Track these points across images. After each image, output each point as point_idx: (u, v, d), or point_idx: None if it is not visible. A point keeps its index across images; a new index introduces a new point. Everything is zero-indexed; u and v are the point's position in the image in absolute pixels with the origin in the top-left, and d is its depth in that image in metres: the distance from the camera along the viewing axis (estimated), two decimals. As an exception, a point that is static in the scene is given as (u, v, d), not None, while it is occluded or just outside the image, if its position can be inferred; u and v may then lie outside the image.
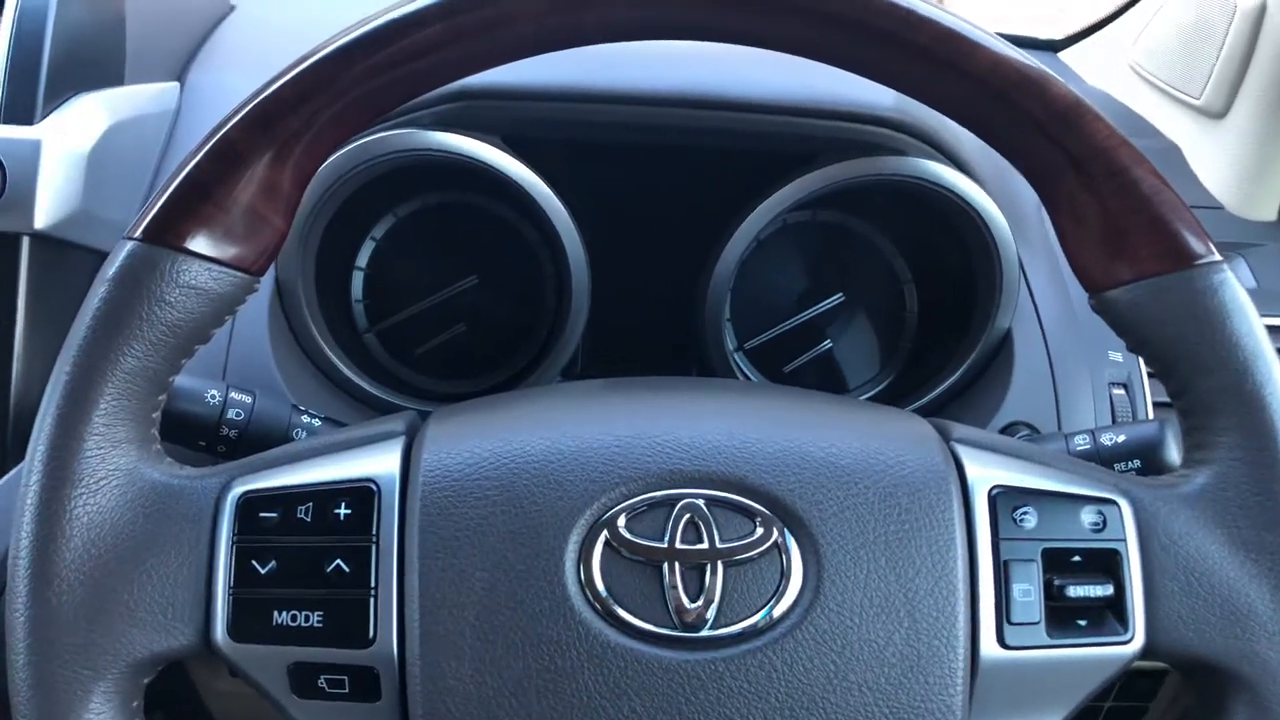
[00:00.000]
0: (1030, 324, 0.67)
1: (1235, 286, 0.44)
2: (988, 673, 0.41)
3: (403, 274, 0.73)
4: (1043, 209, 0.73)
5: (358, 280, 0.72)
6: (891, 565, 0.41)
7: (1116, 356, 0.67)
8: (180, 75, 0.74)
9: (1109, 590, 0.42)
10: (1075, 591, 0.42)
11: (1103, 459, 0.54)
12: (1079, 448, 0.55)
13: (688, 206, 0.73)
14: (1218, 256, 0.44)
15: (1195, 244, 0.43)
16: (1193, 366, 0.43)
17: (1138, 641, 0.42)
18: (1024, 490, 0.43)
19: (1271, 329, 0.72)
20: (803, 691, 0.40)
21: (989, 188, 0.68)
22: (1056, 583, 0.42)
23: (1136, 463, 0.54)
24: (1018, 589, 0.41)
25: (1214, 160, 0.80)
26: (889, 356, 0.76)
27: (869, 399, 0.75)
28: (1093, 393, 0.66)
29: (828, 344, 0.75)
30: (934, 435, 0.44)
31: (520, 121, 0.65)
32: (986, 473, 0.43)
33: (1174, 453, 0.54)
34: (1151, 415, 0.67)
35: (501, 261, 0.72)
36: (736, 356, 0.75)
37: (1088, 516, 0.43)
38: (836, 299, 0.75)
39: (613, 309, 0.73)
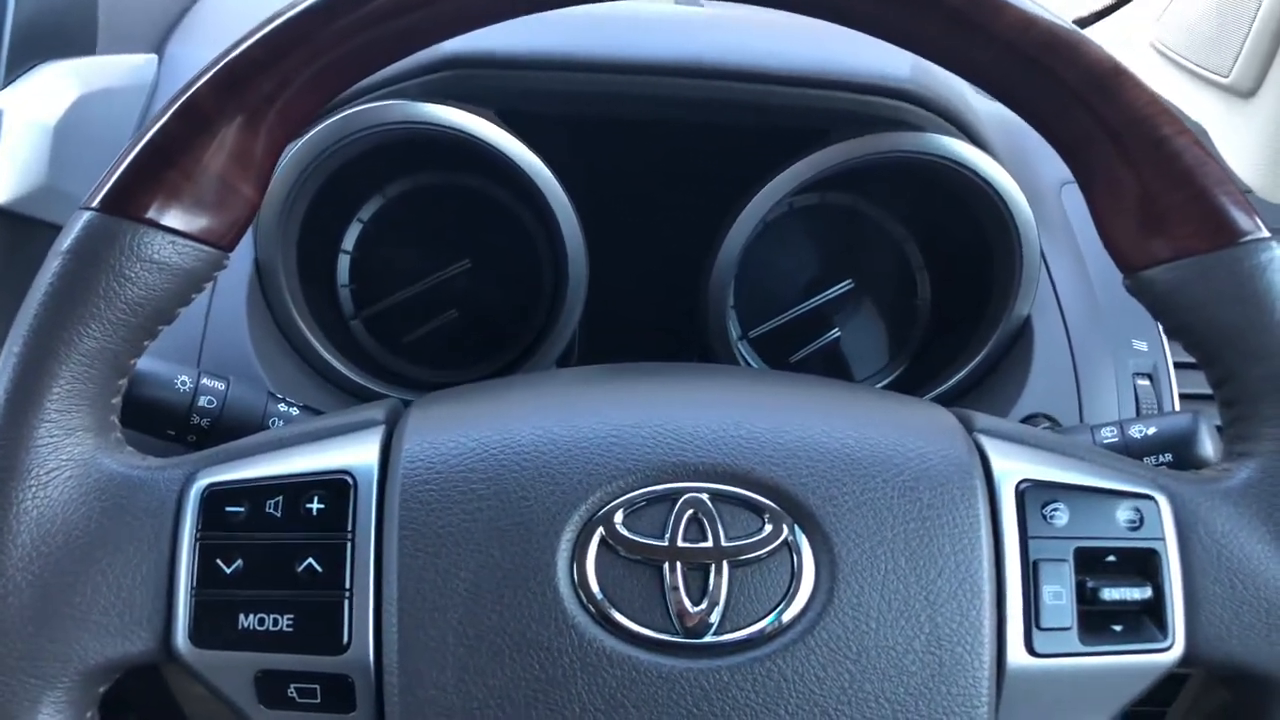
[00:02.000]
0: (1050, 311, 0.64)
1: None
2: (1015, 682, 0.38)
3: (391, 258, 0.69)
4: (1063, 190, 0.70)
5: (344, 264, 0.69)
6: (912, 565, 0.37)
7: (1141, 345, 0.64)
8: (159, 47, 0.71)
9: (1147, 593, 0.39)
10: (1110, 594, 0.38)
11: (1131, 453, 0.51)
12: (1106, 440, 0.51)
13: (692, 186, 0.70)
14: (1266, 233, 0.41)
15: (1242, 219, 0.40)
16: (1237, 352, 0.40)
17: (1178, 648, 0.39)
18: (1054, 485, 0.40)
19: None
20: (814, 703, 0.36)
21: (1008, 167, 0.64)
22: (1090, 585, 0.39)
23: (1167, 457, 0.51)
24: (1048, 591, 0.38)
25: (1243, 142, 0.76)
26: (900, 346, 0.72)
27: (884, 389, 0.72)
28: (1116, 383, 0.62)
29: (836, 333, 0.72)
30: (957, 426, 0.41)
31: (515, 93, 0.61)
32: (1013, 465, 0.40)
33: (1208, 447, 0.51)
34: (1179, 407, 0.64)
35: (495, 245, 0.69)
36: (741, 345, 0.72)
37: (1124, 513, 0.40)
38: (845, 286, 0.72)
39: (612, 295, 0.70)
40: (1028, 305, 0.63)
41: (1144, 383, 0.63)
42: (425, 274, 0.68)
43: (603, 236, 0.66)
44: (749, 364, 0.71)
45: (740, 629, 0.37)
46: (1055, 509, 0.39)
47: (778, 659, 0.36)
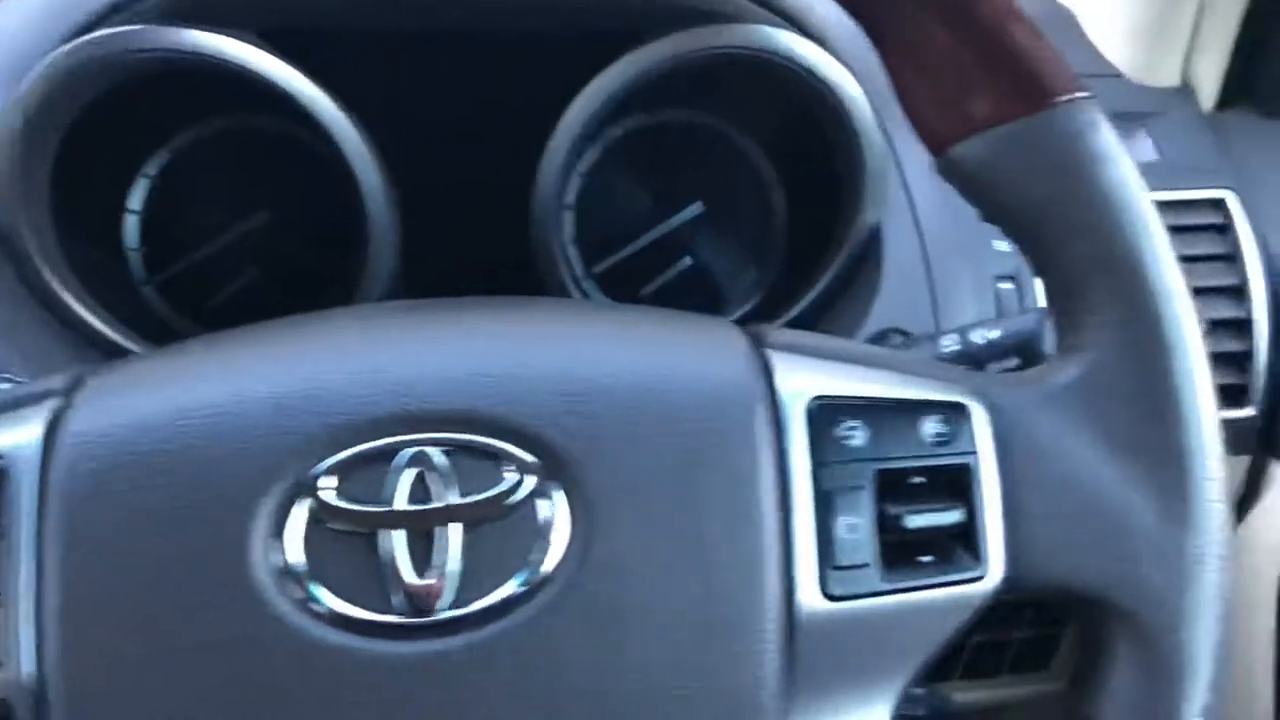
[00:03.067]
0: (903, 218, 0.59)
1: (1105, 130, 0.35)
2: (810, 631, 0.32)
3: (186, 216, 0.62)
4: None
5: (131, 224, 0.62)
6: (681, 508, 0.32)
7: (1002, 246, 0.59)
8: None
9: (958, 516, 0.34)
10: (915, 521, 0.33)
11: (975, 361, 0.46)
12: (946, 350, 0.46)
13: (507, 108, 0.63)
14: (1085, 93, 0.35)
15: (1055, 79, 0.35)
16: (1056, 231, 0.35)
17: (995, 575, 0.34)
18: (850, 400, 0.34)
19: (1176, 204, 0.65)
20: (570, 677, 0.31)
21: (852, 63, 0.58)
22: (891, 512, 0.33)
23: (1015, 362, 0.46)
24: (843, 524, 0.33)
25: (1111, 23, 0.71)
26: (761, 269, 0.67)
27: (742, 316, 0.66)
28: (975, 289, 0.57)
29: (687, 261, 0.66)
30: (743, 343, 0.35)
31: (272, 9, 0.54)
32: (804, 382, 0.34)
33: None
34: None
35: (296, 192, 0.62)
36: (585, 283, 0.66)
37: (930, 427, 0.34)
38: (694, 210, 0.66)
39: (436, 238, 0.64)
40: (876, 213, 0.58)
41: (1006, 286, 0.58)
42: (223, 231, 0.61)
43: (415, 173, 0.60)
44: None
45: (480, 599, 0.31)
46: (851, 428, 0.34)
47: (525, 630, 0.31)
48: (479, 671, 0.31)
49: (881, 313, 0.56)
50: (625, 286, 0.66)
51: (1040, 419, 0.35)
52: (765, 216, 0.66)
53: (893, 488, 0.34)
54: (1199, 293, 0.63)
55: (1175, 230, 0.63)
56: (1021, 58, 0.35)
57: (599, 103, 0.56)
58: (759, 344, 0.36)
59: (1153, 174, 0.66)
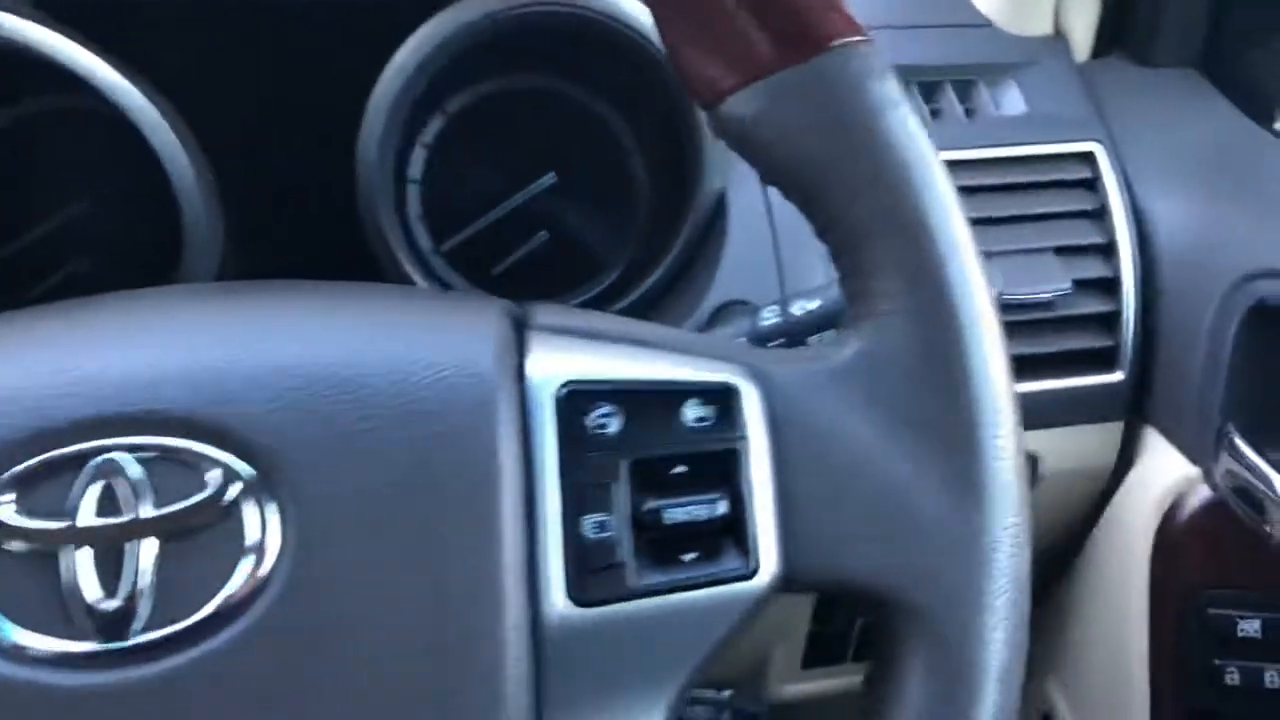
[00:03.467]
0: (750, 186, 0.56)
1: (886, 78, 0.33)
2: (560, 641, 0.30)
3: (5, 202, 0.58)
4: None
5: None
6: (411, 512, 0.29)
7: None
8: None
9: (724, 508, 0.31)
10: (674, 515, 0.31)
11: (794, 334, 0.43)
12: (766, 323, 0.44)
13: (325, 77, 0.59)
14: (860, 37, 0.33)
15: (828, 22, 0.32)
16: (835, 191, 0.32)
17: (768, 572, 0.31)
18: (604, 385, 0.31)
19: (1043, 158, 0.63)
20: (279, 708, 0.28)
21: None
22: (649, 507, 0.31)
23: (829, 335, 0.43)
24: (590, 523, 0.30)
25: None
26: (622, 240, 0.64)
27: (602, 291, 0.64)
28: (824, 259, 0.54)
29: (543, 235, 0.63)
30: (498, 325, 0.32)
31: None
32: (559, 366, 0.32)
33: None
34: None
35: (113, 176, 0.58)
36: (435, 260, 0.62)
37: (693, 411, 0.32)
38: (547, 180, 0.63)
39: (272, 222, 0.60)
40: (720, 179, 0.55)
41: None
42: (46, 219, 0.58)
43: (237, 154, 0.56)
44: (444, 283, 0.62)
45: (175, 621, 0.28)
46: (605, 416, 0.31)
47: (227, 655, 0.28)
48: (177, 701, 0.28)
49: (727, 284, 0.54)
50: (478, 264, 0.63)
51: (820, 398, 0.32)
52: (625, 185, 0.63)
53: (652, 480, 0.31)
54: (1065, 251, 0.61)
55: (1041, 186, 0.62)
56: (791, 1, 0.32)
57: (414, 66, 0.52)
58: (521, 325, 0.33)
59: (1020, 127, 0.64)
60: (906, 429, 0.32)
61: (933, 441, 0.31)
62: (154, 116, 0.51)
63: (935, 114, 0.62)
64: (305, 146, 0.60)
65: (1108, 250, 0.59)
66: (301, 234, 0.62)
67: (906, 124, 0.32)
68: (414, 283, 0.59)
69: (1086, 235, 0.59)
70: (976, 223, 0.58)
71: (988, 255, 0.58)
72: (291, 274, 0.63)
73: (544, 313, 0.34)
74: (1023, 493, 0.32)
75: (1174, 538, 0.56)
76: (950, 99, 0.63)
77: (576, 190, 0.63)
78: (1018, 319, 0.58)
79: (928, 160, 0.32)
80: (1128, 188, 0.60)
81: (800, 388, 0.32)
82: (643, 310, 0.60)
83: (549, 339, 0.32)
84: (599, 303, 0.61)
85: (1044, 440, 0.59)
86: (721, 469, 0.31)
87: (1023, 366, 0.58)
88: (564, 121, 0.63)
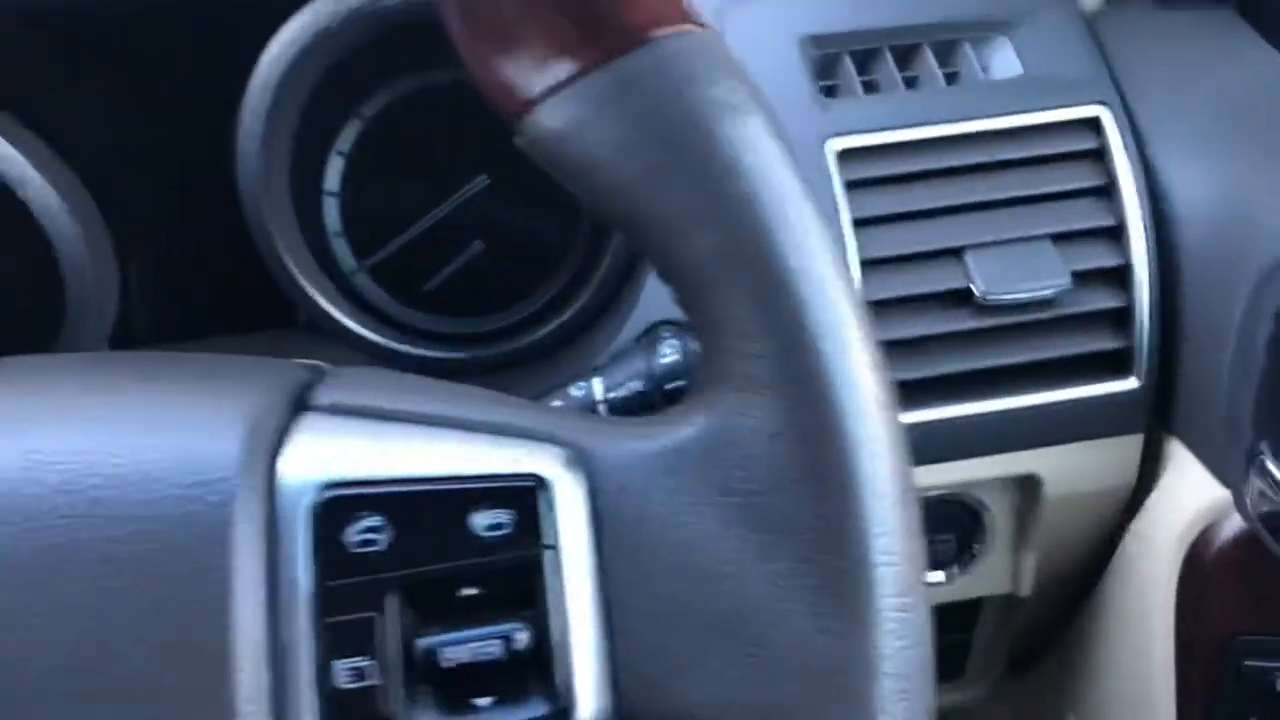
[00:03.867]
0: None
1: (722, 73, 0.26)
2: None
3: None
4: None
5: None
6: (129, 654, 0.24)
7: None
8: None
9: (524, 639, 0.25)
10: (455, 655, 0.24)
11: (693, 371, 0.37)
12: (664, 360, 0.37)
13: (199, 86, 0.54)
14: (691, 25, 0.26)
15: (644, 6, 0.25)
16: (666, 224, 0.26)
17: (586, 712, 0.25)
18: (372, 487, 0.25)
19: (1040, 128, 0.54)
20: None
21: None
22: (425, 644, 0.25)
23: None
24: (345, 669, 0.24)
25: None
26: (564, 247, 0.57)
27: (547, 302, 0.57)
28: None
29: (477, 246, 0.57)
30: (260, 409, 0.26)
31: None
32: (320, 463, 0.25)
33: None
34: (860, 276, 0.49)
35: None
36: (358, 278, 0.57)
37: (484, 517, 0.25)
38: (478, 185, 0.56)
39: (175, 261, 0.56)
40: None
41: None
42: None
43: (123, 192, 0.51)
44: (367, 302, 0.57)
45: None
46: (371, 529, 0.25)
47: None
48: None
49: (653, 303, 0.47)
50: (407, 281, 0.57)
51: (655, 487, 0.25)
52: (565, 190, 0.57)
53: (434, 606, 0.25)
54: (1067, 238, 0.52)
55: (1037, 161, 0.53)
56: None
57: (286, 63, 0.46)
58: (299, 404, 0.27)
59: (1012, 93, 0.55)
60: (767, 529, 0.25)
61: (800, 545, 0.25)
62: (24, 167, 0.46)
63: (910, 83, 0.54)
64: (195, 169, 0.55)
65: (1117, 234, 0.50)
66: (206, 268, 0.57)
67: (751, 137, 0.25)
68: (324, 310, 0.53)
69: (1091, 217, 0.50)
70: (960, 210, 0.50)
71: (975, 247, 0.51)
72: (198, 315, 0.59)
73: (335, 385, 0.28)
74: (920, 608, 0.25)
75: (1202, 572, 0.48)
76: (929, 63, 0.54)
77: (512, 194, 0.57)
78: (1010, 321, 0.49)
79: (781, 183, 0.25)
80: (1141, 158, 0.51)
81: (633, 473, 0.26)
82: (583, 326, 0.53)
83: (322, 423, 0.26)
84: (544, 315, 0.55)
85: (1047, 460, 0.51)
86: (522, 588, 0.25)
87: (1018, 375, 0.50)
88: (493, 119, 0.56)
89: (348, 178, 0.56)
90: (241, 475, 0.25)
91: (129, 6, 0.49)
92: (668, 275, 0.27)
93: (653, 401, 0.43)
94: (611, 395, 0.44)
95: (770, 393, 0.25)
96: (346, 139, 0.56)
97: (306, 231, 0.55)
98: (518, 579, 0.25)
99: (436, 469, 0.25)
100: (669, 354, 0.38)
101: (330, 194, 0.56)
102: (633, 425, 0.27)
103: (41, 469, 0.25)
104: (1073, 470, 0.51)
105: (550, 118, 0.26)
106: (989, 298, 0.49)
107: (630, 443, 0.26)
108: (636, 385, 0.43)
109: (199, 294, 0.57)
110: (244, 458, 0.25)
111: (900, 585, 0.24)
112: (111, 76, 0.52)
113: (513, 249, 0.57)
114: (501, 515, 0.25)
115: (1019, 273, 0.49)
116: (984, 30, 0.55)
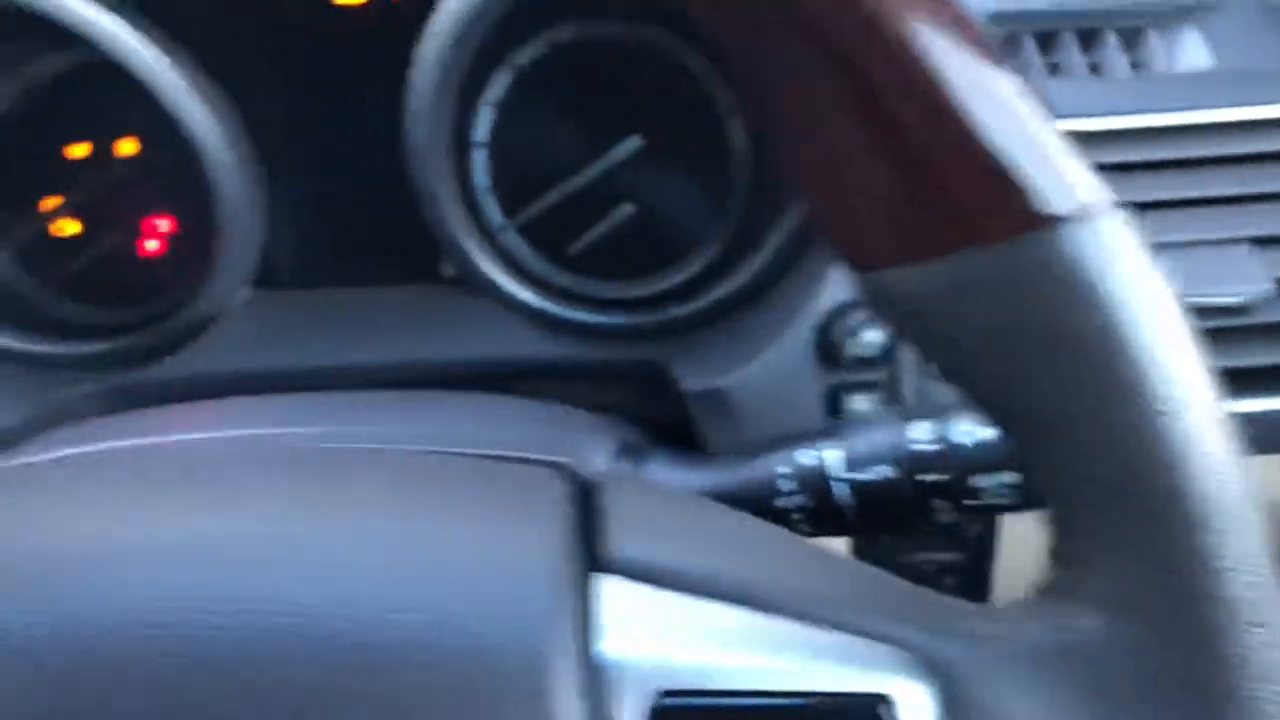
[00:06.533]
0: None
1: (1131, 261, 0.22)
2: None
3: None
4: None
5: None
6: None
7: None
8: None
9: None
10: None
11: (954, 469, 0.33)
12: (917, 448, 0.33)
13: (364, 40, 0.51)
14: (1105, 203, 0.22)
15: (1048, 188, 0.22)
16: (1049, 427, 0.23)
17: None
18: (708, 699, 0.22)
19: (1236, 126, 0.52)
20: None
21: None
22: None
23: (1007, 479, 0.33)
24: None
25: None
26: (719, 214, 0.55)
27: (695, 275, 0.55)
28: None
29: (628, 209, 0.55)
30: (558, 567, 0.23)
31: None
32: (652, 656, 0.22)
33: None
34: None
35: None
36: (505, 236, 0.55)
37: None
38: (632, 145, 0.54)
39: (323, 202, 0.53)
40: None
41: None
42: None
43: (279, 130, 0.49)
44: (515, 261, 0.54)
45: None
46: None
47: None
48: None
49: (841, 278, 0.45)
50: (553, 241, 0.55)
51: (1016, 699, 0.23)
52: (722, 151, 0.54)
53: None
54: (1266, 243, 0.50)
55: (1232, 161, 0.51)
56: (993, 162, 0.21)
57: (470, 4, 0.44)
58: (589, 561, 0.23)
59: (1203, 86, 0.53)
60: None
61: None
62: (179, 84, 0.44)
63: (1094, 69, 0.52)
64: (353, 112, 0.53)
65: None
66: (354, 213, 0.55)
67: (1168, 339, 0.22)
68: (477, 266, 0.51)
69: (1291, 222, 0.48)
70: (1147, 206, 0.47)
71: (1161, 247, 0.49)
72: (343, 261, 0.56)
73: (624, 526, 0.24)
74: None
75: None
76: (1113, 50, 0.52)
77: (666, 157, 0.54)
78: (1199, 326, 0.47)
79: (1194, 394, 0.22)
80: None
81: (992, 683, 0.22)
82: (742, 304, 0.51)
83: (627, 595, 0.23)
84: (692, 289, 0.53)
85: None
86: None
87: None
88: (651, 76, 0.54)
89: (497, 130, 0.54)
90: (544, 664, 0.21)
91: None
92: (1030, 467, 0.24)
93: (902, 492, 0.36)
94: (856, 477, 0.37)
95: (1154, 614, 0.22)
96: (497, 88, 0.54)
97: (455, 185, 0.52)
98: None
99: (774, 683, 0.22)
100: (924, 441, 0.34)
101: (479, 145, 0.54)
102: (987, 622, 0.24)
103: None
104: (1268, 485, 0.49)
105: (909, 282, 0.23)
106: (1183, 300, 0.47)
107: (987, 647, 0.23)
108: (887, 471, 0.36)
109: (343, 240, 0.55)
110: (544, 634, 0.21)
111: None
112: (273, 13, 0.49)
113: (663, 215, 0.55)
114: None
115: (1213, 276, 0.47)
116: (1171, 17, 0.53)
